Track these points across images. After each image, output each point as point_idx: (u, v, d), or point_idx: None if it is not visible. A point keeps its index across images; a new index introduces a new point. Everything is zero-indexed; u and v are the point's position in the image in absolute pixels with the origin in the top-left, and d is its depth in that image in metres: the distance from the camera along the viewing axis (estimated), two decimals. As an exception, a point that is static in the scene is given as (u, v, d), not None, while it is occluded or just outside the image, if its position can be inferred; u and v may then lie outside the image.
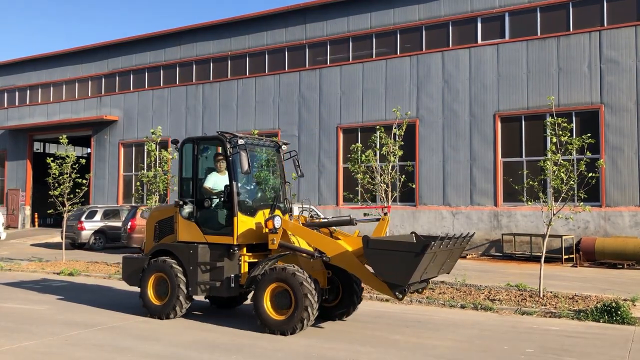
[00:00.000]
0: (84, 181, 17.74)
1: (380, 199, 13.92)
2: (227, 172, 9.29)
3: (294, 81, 25.49)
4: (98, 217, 24.20)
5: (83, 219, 23.72)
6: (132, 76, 30.67)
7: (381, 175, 13.63)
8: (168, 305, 9.19)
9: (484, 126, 21.25)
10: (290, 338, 8.15)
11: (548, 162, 11.43)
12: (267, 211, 9.33)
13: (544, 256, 11.72)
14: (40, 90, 34.38)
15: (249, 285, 8.74)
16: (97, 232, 23.83)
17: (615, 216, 18.90)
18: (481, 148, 21.21)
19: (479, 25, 21.84)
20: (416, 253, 7.49)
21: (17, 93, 35.43)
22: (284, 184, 10.02)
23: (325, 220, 9.43)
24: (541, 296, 10.98)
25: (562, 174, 11.25)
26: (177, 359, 7.19)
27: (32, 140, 34.89)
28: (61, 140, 18.45)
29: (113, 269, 16.04)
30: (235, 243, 8.85)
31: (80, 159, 18.16)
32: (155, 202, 16.41)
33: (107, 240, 23.92)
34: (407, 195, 21.03)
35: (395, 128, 14.34)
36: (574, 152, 11.82)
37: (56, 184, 17.50)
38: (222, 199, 9.04)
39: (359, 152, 14.16)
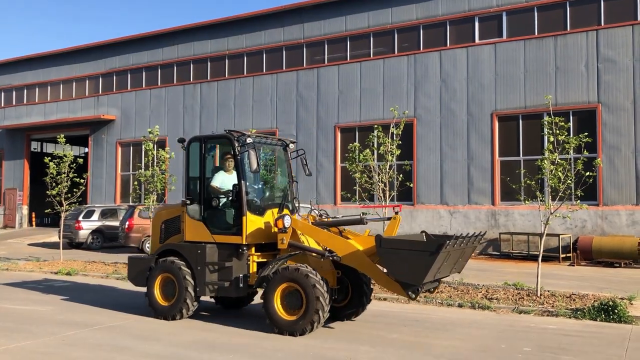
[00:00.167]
0: (82, 181, 17.72)
1: (378, 198, 13.93)
2: (234, 171, 9.15)
3: (292, 80, 25.49)
4: (95, 216, 24.18)
5: (80, 218, 23.70)
6: (129, 75, 30.64)
7: (379, 174, 13.64)
8: (175, 305, 9.10)
9: (481, 125, 21.28)
10: (289, 337, 8.16)
11: (545, 161, 11.46)
12: (275, 210, 9.21)
13: (541, 255, 11.75)
14: (37, 89, 34.32)
15: (259, 285, 8.64)
16: (95, 232, 23.81)
17: (612, 215, 18.95)
18: (479, 147, 21.24)
19: (477, 24, 21.86)
20: (431, 252, 7.41)
21: (14, 92, 35.36)
22: (291, 183, 9.89)
23: (335, 219, 9.33)
24: (538, 295, 11.01)
25: (559, 173, 11.27)
26: (176, 358, 7.19)
27: (30, 139, 34.83)
28: (59, 140, 18.43)
29: (111, 268, 16.04)
30: (244, 243, 8.76)
31: (78, 159, 18.16)
32: (153, 201, 16.41)
33: (105, 240, 23.91)
34: (405, 195, 21.05)
35: (392, 127, 14.35)
36: (571, 151, 11.87)
37: (54, 184, 17.48)
38: (230, 198, 8.92)
39: (357, 152, 14.17)
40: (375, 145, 14.39)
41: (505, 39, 21.26)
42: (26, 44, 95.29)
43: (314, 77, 24.93)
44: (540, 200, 11.73)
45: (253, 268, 8.90)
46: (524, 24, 21.04)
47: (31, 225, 34.02)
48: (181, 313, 9.09)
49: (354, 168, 14.04)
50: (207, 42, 27.98)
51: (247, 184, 8.96)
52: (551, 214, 11.30)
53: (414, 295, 7.90)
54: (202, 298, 9.53)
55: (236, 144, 8.98)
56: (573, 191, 11.92)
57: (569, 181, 11.36)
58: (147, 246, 20.06)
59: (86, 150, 34.09)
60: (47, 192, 17.65)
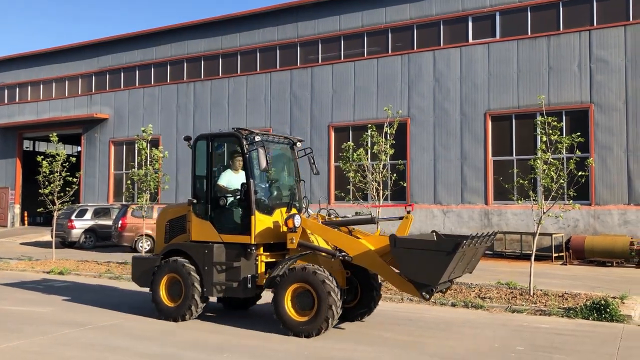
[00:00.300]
0: (75, 179, 17.65)
1: (372, 198, 13.95)
2: (241, 170, 9.02)
3: (286, 79, 25.47)
4: (88, 215, 24.10)
5: (73, 217, 23.61)
6: (122, 74, 30.53)
7: (372, 173, 13.66)
8: (182, 306, 8.93)
9: (474, 125, 21.34)
10: (281, 337, 8.17)
11: (538, 161, 11.50)
12: (284, 210, 9.12)
13: (534, 254, 11.80)
14: (29, 88, 34.14)
15: (268, 285, 8.49)
16: (88, 231, 23.73)
17: (604, 214, 19.05)
18: (472, 147, 21.30)
19: (470, 24, 21.92)
20: (447, 252, 7.31)
21: (6, 91, 35.17)
22: (298, 181, 9.77)
23: (345, 218, 9.18)
24: (531, 294, 11.06)
25: (552, 173, 11.32)
26: (168, 358, 7.18)
27: (22, 138, 34.64)
28: (51, 138, 18.34)
29: (103, 267, 15.99)
30: (252, 242, 8.61)
31: (71, 157, 18.08)
32: (146, 200, 16.38)
33: (98, 239, 23.84)
34: (399, 194, 21.09)
35: (386, 127, 14.37)
36: (564, 151, 11.93)
37: (46, 183, 17.40)
38: (238, 197, 8.78)
39: (351, 151, 14.18)
40: (369, 145, 14.41)
41: (499, 39, 21.33)
42: (18, 42, 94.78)
43: (308, 77, 24.93)
44: (533, 200, 11.78)
45: (261, 268, 8.78)
46: (517, 24, 21.12)
47: (23, 224, 33.86)
48: (189, 313, 8.93)
49: (347, 167, 14.05)
50: (201, 40, 27.92)
51: (256, 183, 8.83)
52: (544, 213, 11.35)
53: (427, 296, 7.78)
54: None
55: (244, 143, 8.83)
56: (565, 191, 11.98)
57: (561, 181, 11.41)
58: (140, 245, 20.01)
59: (79, 149, 33.96)
60: (40, 191, 17.57)
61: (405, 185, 19.52)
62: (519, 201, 12.18)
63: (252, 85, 26.32)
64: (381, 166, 13.73)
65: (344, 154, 14.48)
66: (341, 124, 23.89)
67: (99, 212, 24.53)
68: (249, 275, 8.66)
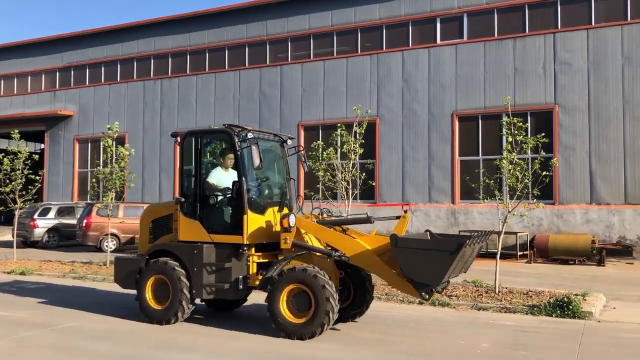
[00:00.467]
0: (37, 178, 17.23)
1: (341, 197, 13.99)
2: (232, 168, 8.79)
3: (255, 78, 25.35)
4: (52, 214, 23.58)
5: (36, 216, 23.05)
6: (87, 70, 29.94)
7: (342, 173, 13.69)
8: (170, 309, 8.60)
9: (442, 125, 21.58)
10: (247, 336, 8.11)
11: (504, 161, 11.70)
12: (275, 209, 8.88)
13: (499, 253, 11.98)
14: (-10, 83, 33.20)
15: (263, 286, 8.24)
16: (51, 230, 23.22)
17: (567, 213, 19.48)
18: (439, 147, 21.54)
19: (438, 25, 22.15)
20: (450, 252, 7.24)
21: (-35, 86, 34.13)
22: (289, 180, 9.58)
23: (340, 217, 9.03)
24: (497, 292, 11.23)
25: (517, 173, 11.52)
26: (128, 358, 7.06)
27: (-18, 135, 33.68)
28: (13, 136, 17.87)
29: (67, 267, 15.66)
30: (245, 242, 8.34)
31: (34, 155, 17.64)
32: (112, 199, 16.12)
33: (62, 238, 23.35)
34: (367, 193, 21.18)
35: (356, 126, 14.42)
36: (529, 151, 12.14)
37: (7, 180, 16.95)
38: (229, 195, 8.53)
39: (320, 150, 14.19)
40: (339, 144, 14.45)
41: (466, 40, 21.61)
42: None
43: (278, 75, 24.86)
44: (499, 199, 11.97)
45: (253, 269, 8.52)
46: (484, 25, 21.43)
47: (-17, 223, 32.90)
48: (176, 317, 8.61)
49: (317, 166, 14.06)
50: (169, 37, 27.57)
51: (247, 181, 8.57)
52: (509, 212, 11.54)
53: (427, 296, 7.71)
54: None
55: (236, 140, 8.55)
56: (530, 190, 12.20)
57: (526, 180, 11.62)
58: (106, 245, 19.69)
59: (42, 146, 33.17)
60: (0, 189, 17.11)
61: (374, 184, 19.62)
62: (485, 200, 12.36)
63: (220, 83, 26.11)
64: (350, 165, 13.78)
65: (314, 153, 14.48)
66: (311, 123, 23.88)
67: (63, 211, 24.02)
68: (240, 276, 8.40)
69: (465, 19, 21.75)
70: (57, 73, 30.87)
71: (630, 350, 7.56)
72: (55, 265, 16.13)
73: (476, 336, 8.29)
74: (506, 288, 11.59)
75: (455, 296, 11.07)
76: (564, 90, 19.92)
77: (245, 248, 8.39)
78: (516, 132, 11.76)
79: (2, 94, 32.61)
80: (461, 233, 8.44)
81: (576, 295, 10.57)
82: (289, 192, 9.49)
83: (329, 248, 8.41)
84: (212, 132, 9.58)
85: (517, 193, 11.56)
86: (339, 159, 14.27)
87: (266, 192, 9.19)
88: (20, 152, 17.00)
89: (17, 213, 17.80)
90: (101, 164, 17.01)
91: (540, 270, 16.20)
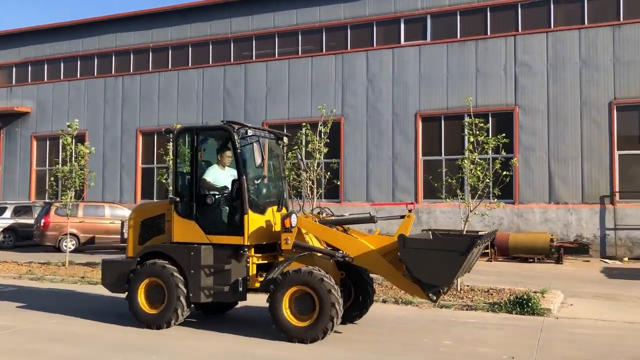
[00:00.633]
0: (-8, 176, 16.71)
1: (306, 196, 13.98)
2: (229, 166, 8.58)
3: (219, 75, 25.12)
4: (8, 213, 22.91)
5: (-9, 216, 22.38)
6: (46, 66, 29.17)
7: (307, 172, 13.68)
8: (165, 313, 8.24)
9: (405, 125, 21.79)
10: (211, 335, 8.03)
11: (466, 161, 11.88)
12: (274, 208, 8.68)
13: (461, 251, 12.13)
14: (-58, 78, 32.03)
15: (265, 288, 7.95)
16: (7, 230, 22.55)
17: (527, 213, 19.91)
18: (403, 146, 21.74)
19: (402, 26, 22.35)
20: (461, 252, 7.13)
21: None
22: (284, 179, 9.37)
23: (342, 217, 8.79)
24: (458, 290, 11.39)
25: (478, 172, 11.72)
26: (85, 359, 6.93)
27: None
28: (-34, 132, 17.31)
29: (24, 268, 15.24)
30: (246, 243, 8.06)
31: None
32: (71, 198, 15.76)
33: (18, 239, 22.71)
34: (332, 192, 21.23)
35: (320, 125, 14.43)
36: (490, 152, 12.36)
37: (-39, 179, 16.39)
38: (226, 195, 8.26)
39: (285, 149, 14.13)
40: (304, 143, 14.43)
41: (430, 42, 21.86)
42: None
43: (242, 73, 24.69)
44: (461, 199, 12.15)
45: (253, 270, 8.24)
46: (447, 27, 21.72)
47: None
48: (172, 320, 8.27)
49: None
50: (131, 33, 27.09)
51: (248, 180, 8.31)
52: (471, 211, 11.72)
53: (434, 298, 7.57)
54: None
55: (236, 137, 8.26)
56: (491, 190, 12.41)
57: (487, 180, 11.83)
58: (65, 245, 19.25)
59: (-2, 143, 32.16)
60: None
61: (338, 183, 19.68)
62: (447, 200, 12.53)
63: (183, 80, 25.79)
64: (315, 164, 13.78)
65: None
66: (275, 121, 23.79)
67: (20, 211, 23.37)
68: (240, 278, 8.10)
69: (428, 20, 22.00)
70: (14, 68, 29.98)
71: (586, 346, 7.77)
72: (11, 266, 15.67)
73: (439, 334, 8.39)
74: (467, 286, 11.77)
75: (418, 294, 11.17)
76: (524, 92, 20.35)
77: (245, 249, 8.12)
78: (478, 132, 11.96)
79: (-45, 89, 31.49)
80: (468, 232, 8.67)
81: (535, 292, 10.79)
82: (286, 192, 9.27)
83: (330, 248, 8.19)
84: (209, 129, 9.24)
85: (479, 192, 11.76)
86: (304, 158, 14.25)
87: (265, 191, 8.95)
88: (-25, 150, 16.46)
89: (-30, 212, 17.22)
90: (60, 162, 16.56)
91: (501, 268, 16.50)
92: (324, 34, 23.56)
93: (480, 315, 9.81)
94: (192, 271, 8.19)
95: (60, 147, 21.82)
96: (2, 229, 22.44)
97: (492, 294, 11.12)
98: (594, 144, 19.41)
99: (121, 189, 26.38)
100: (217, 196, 8.35)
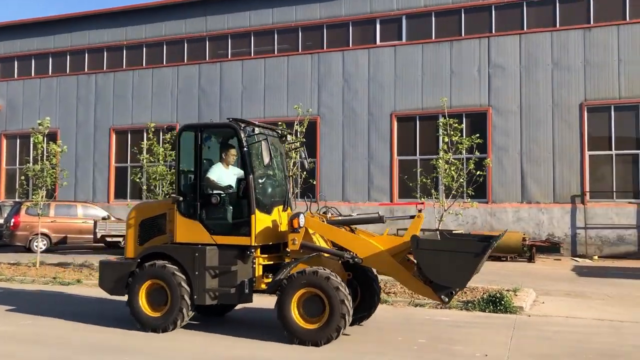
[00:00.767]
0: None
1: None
2: (232, 165, 8.42)
3: (194, 74, 24.93)
4: (-24, 213, 22.41)
5: (-41, 215, 21.87)
6: (16, 63, 28.60)
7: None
8: (168, 316, 8.00)
9: (381, 125, 21.90)
10: (177, 335, 7.96)
11: (440, 161, 12.00)
12: (280, 208, 8.54)
13: (436, 250, 12.23)
14: None
15: (272, 290, 7.80)
16: (-25, 230, 22.06)
17: (500, 212, 20.18)
18: (378, 146, 21.86)
19: (378, 26, 22.46)
20: (476, 253, 7.06)
21: None
22: (287, 177, 9.17)
23: (350, 217, 8.65)
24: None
25: (452, 172, 11.84)
26: (65, 363, 6.82)
27: None
28: None
29: (-7, 269, 14.92)
30: (253, 244, 7.87)
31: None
32: (42, 197, 15.47)
33: (-13, 239, 22.22)
34: (308, 192, 21.20)
35: (296, 125, 14.42)
36: (464, 152, 12.50)
37: None
38: (232, 194, 8.10)
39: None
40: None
41: (405, 42, 22.01)
42: None
43: (217, 72, 24.54)
44: (435, 198, 12.26)
45: (259, 271, 8.02)
46: (422, 28, 21.90)
47: None
48: (175, 324, 8.03)
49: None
50: (104, 31, 26.71)
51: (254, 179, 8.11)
52: (445, 211, 11.84)
53: (447, 299, 7.52)
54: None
55: (243, 135, 8.10)
56: (465, 189, 12.57)
57: (461, 180, 11.97)
58: (36, 245, 18.89)
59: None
60: None
61: (314, 183, 19.68)
62: (422, 199, 12.62)
63: (158, 78, 25.53)
64: (291, 164, 13.76)
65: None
66: (251, 120, 23.64)
67: (-11, 210, 22.88)
68: (245, 280, 7.91)
69: (404, 21, 22.14)
70: (-17, 65, 29.35)
71: (557, 343, 7.91)
72: (-21, 267, 15.32)
73: (413, 332, 8.44)
74: (442, 285, 11.85)
75: (393, 293, 11.25)
76: (498, 93, 20.62)
77: (252, 250, 7.92)
78: (452, 132, 12.09)
79: None
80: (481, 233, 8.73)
81: (508, 291, 10.94)
82: (289, 191, 9.06)
83: (335, 249, 8.05)
84: (214, 127, 9.04)
85: (453, 192, 11.89)
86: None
87: (270, 190, 8.74)
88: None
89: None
90: (31, 160, 16.23)
91: (474, 267, 16.65)
92: (300, 33, 23.55)
93: (454, 314, 9.90)
94: (196, 272, 7.98)
95: (31, 145, 21.42)
96: (-30, 228, 21.94)
97: (465, 293, 11.23)
98: (565, 144, 19.76)
99: (94, 188, 26.02)
100: (222, 195, 8.16)
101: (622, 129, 19.55)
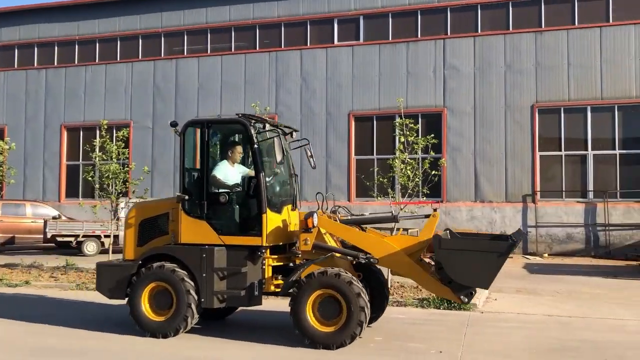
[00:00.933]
0: None
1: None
2: (239, 162, 8.18)
3: (149, 70, 24.47)
4: None
5: None
6: (-39, 56, 27.50)
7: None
8: (174, 320, 7.67)
9: (339, 124, 21.99)
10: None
11: (396, 160, 12.13)
12: (289, 207, 8.36)
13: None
14: None
15: (286, 292, 7.65)
16: None
17: (454, 211, 20.55)
18: (336, 145, 21.94)
19: (336, 26, 22.54)
20: (500, 253, 6.99)
21: None
22: (294, 175, 8.96)
23: (362, 216, 8.43)
24: (389, 287, 11.59)
25: (408, 172, 12.00)
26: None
27: None
28: None
29: None
30: (264, 244, 7.61)
31: None
32: (-11, 196, 14.92)
33: None
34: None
35: (253, 123, 14.31)
36: (419, 152, 12.67)
37: None
38: (241, 193, 7.86)
39: (218, 147, 13.93)
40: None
41: (362, 42, 22.16)
42: None
43: (173, 69, 24.16)
44: (392, 197, 12.39)
45: (268, 272, 7.77)
46: (380, 28, 22.08)
47: None
48: (181, 328, 7.73)
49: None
50: (55, 25, 25.92)
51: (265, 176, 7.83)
52: (401, 209, 11.97)
53: (466, 300, 7.44)
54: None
55: (253, 131, 7.81)
56: (420, 189, 12.75)
57: (417, 179, 12.13)
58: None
59: None
60: None
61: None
62: (379, 198, 12.74)
63: (111, 74, 24.95)
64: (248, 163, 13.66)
65: (212, 149, 14.16)
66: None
67: None
68: (255, 282, 7.64)
69: (361, 21, 22.28)
70: None
71: (509, 339, 8.10)
72: None
73: (370, 330, 8.47)
74: (398, 282, 12.01)
75: (350, 292, 11.29)
76: (453, 94, 20.98)
77: (263, 250, 7.66)
78: (408, 132, 12.24)
79: None
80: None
81: (462, 288, 11.14)
82: (296, 189, 8.92)
83: (351, 248, 7.88)
84: (222, 122, 8.69)
85: (409, 191, 12.03)
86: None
87: (279, 189, 8.49)
88: None
89: None
90: (-24, 158, 15.66)
91: (430, 265, 16.91)
92: (257, 31, 23.41)
93: (409, 311, 10.03)
94: (204, 274, 7.68)
95: (-23, 142, 20.63)
96: None
97: (421, 290, 11.37)
98: (517, 145, 20.27)
99: (44, 187, 25.24)
100: (230, 194, 7.90)
101: (571, 130, 20.18)
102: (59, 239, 19.06)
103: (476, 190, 20.52)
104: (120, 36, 25.07)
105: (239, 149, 8.25)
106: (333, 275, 7.23)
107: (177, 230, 7.98)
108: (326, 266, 7.46)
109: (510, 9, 20.84)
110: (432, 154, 13.09)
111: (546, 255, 19.42)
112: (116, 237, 16.43)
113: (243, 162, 8.38)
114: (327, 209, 8.28)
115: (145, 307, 7.85)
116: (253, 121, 8.04)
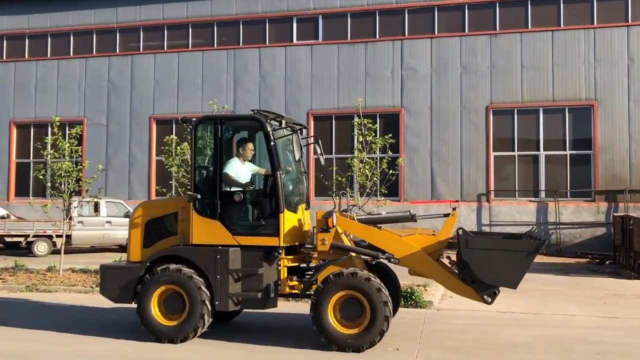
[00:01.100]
0: None
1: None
2: (249, 160, 7.98)
3: (103, 66, 23.92)
4: None
5: None
6: None
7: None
8: (187, 324, 7.39)
9: (297, 123, 21.94)
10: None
11: (355, 160, 12.21)
12: (304, 206, 8.18)
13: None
14: None
15: (304, 293, 7.52)
16: None
17: (411, 210, 20.73)
18: (295, 144, 21.88)
19: (295, 25, 22.51)
20: (529, 252, 6.95)
21: None
22: (305, 173, 8.79)
23: (379, 215, 8.32)
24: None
25: (367, 171, 12.09)
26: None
27: None
28: None
29: None
30: (281, 245, 7.41)
31: None
32: None
33: None
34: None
35: (211, 121, 14.16)
36: (378, 151, 12.78)
37: None
38: (255, 191, 7.69)
39: (174, 145, 13.74)
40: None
41: (321, 42, 22.20)
42: None
43: (128, 65, 23.68)
44: (350, 196, 12.45)
45: (284, 274, 7.57)
46: (339, 28, 22.17)
47: None
48: (194, 332, 7.45)
49: (170, 162, 13.58)
50: (3, 17, 25.04)
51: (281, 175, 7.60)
52: (359, 209, 12.03)
53: (490, 299, 7.31)
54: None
55: (269, 128, 7.56)
56: (378, 188, 12.85)
57: (375, 179, 12.23)
58: None
59: None
60: None
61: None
62: (337, 197, 12.75)
63: (64, 70, 24.26)
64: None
65: (167, 147, 13.97)
66: (164, 116, 23.06)
67: None
68: (271, 283, 7.44)
69: (320, 21, 22.31)
70: None
71: (465, 336, 8.27)
72: None
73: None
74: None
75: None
76: (410, 94, 21.25)
77: (280, 251, 7.46)
78: (366, 132, 12.33)
79: None
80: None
81: (418, 286, 11.27)
82: (307, 188, 8.59)
83: (370, 248, 7.75)
84: (236, 119, 8.45)
85: (367, 190, 12.13)
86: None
87: (293, 187, 8.27)
88: None
89: None
90: None
91: (387, 263, 17.07)
92: (215, 28, 23.17)
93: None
94: (218, 276, 7.42)
95: None
96: None
97: (378, 289, 11.47)
98: (472, 145, 20.67)
99: (-8, 185, 24.38)
100: (244, 193, 7.67)
101: (524, 131, 20.71)
102: (7, 239, 18.45)
103: (432, 189, 20.84)
104: (73, 31, 24.42)
105: (250, 146, 8.04)
106: (349, 274, 7.10)
107: (187, 231, 7.72)
108: (346, 267, 7.30)
109: (466, 11, 21.23)
110: (390, 153, 13.23)
111: (500, 253, 19.83)
112: (68, 237, 16.00)
113: (252, 160, 8.23)
114: (340, 208, 8.10)
115: (155, 311, 7.56)
116: (270, 117, 7.84)
